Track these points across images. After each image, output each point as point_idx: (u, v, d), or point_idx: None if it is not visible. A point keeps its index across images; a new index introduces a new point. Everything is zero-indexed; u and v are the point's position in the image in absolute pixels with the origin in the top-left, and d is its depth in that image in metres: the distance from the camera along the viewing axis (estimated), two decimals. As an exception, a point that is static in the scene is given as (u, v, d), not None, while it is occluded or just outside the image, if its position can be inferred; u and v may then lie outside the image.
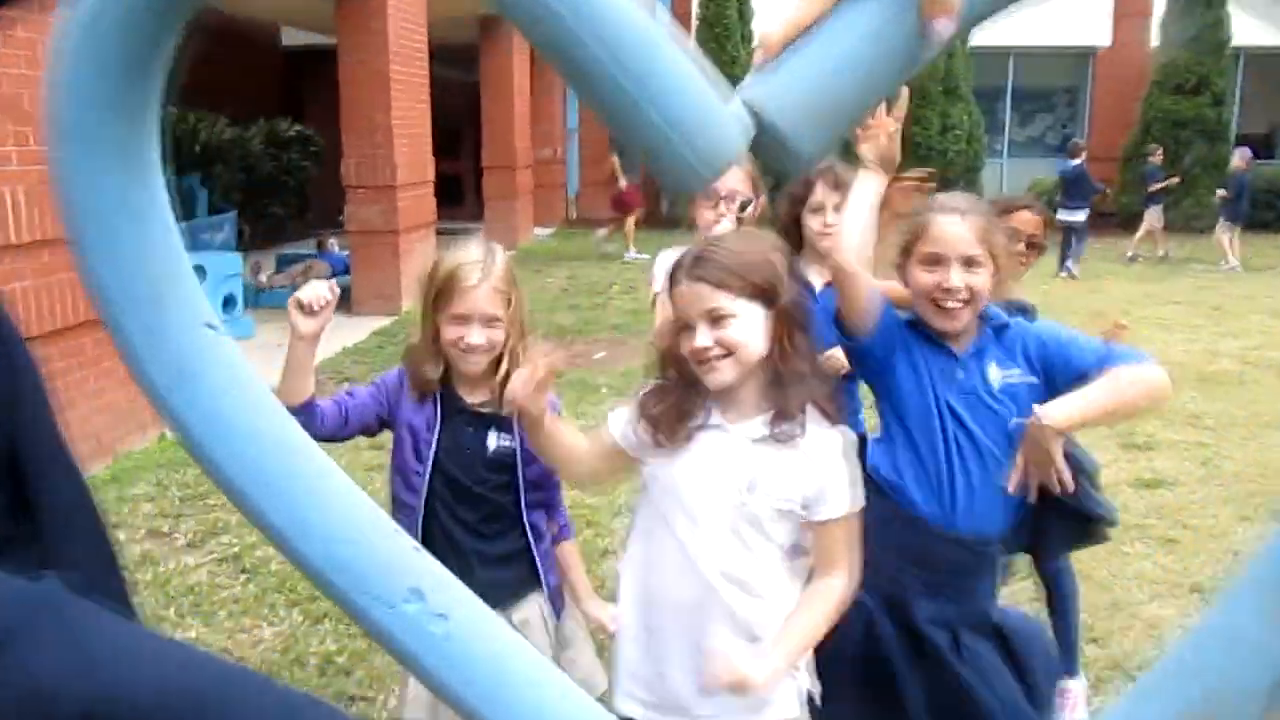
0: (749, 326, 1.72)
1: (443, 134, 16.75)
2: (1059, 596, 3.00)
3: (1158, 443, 5.49)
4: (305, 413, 2.02)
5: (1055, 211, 13.11)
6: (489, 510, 2.17)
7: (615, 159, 13.79)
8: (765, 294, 1.73)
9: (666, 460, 1.78)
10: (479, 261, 2.09)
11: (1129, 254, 14.02)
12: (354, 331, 8.66)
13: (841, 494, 1.76)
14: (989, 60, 18.35)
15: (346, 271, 9.76)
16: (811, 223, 2.91)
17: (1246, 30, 17.29)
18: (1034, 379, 2.04)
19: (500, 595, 2.14)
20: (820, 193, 2.94)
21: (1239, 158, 13.71)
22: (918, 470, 2.06)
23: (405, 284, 9.57)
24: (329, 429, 2.10)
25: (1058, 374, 2.02)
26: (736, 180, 2.61)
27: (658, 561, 1.79)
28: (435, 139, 11.06)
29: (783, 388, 1.75)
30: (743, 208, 2.44)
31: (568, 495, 2.46)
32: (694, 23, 17.45)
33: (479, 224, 15.31)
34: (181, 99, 13.42)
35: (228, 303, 8.29)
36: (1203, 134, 17.00)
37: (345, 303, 9.80)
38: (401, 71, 9.51)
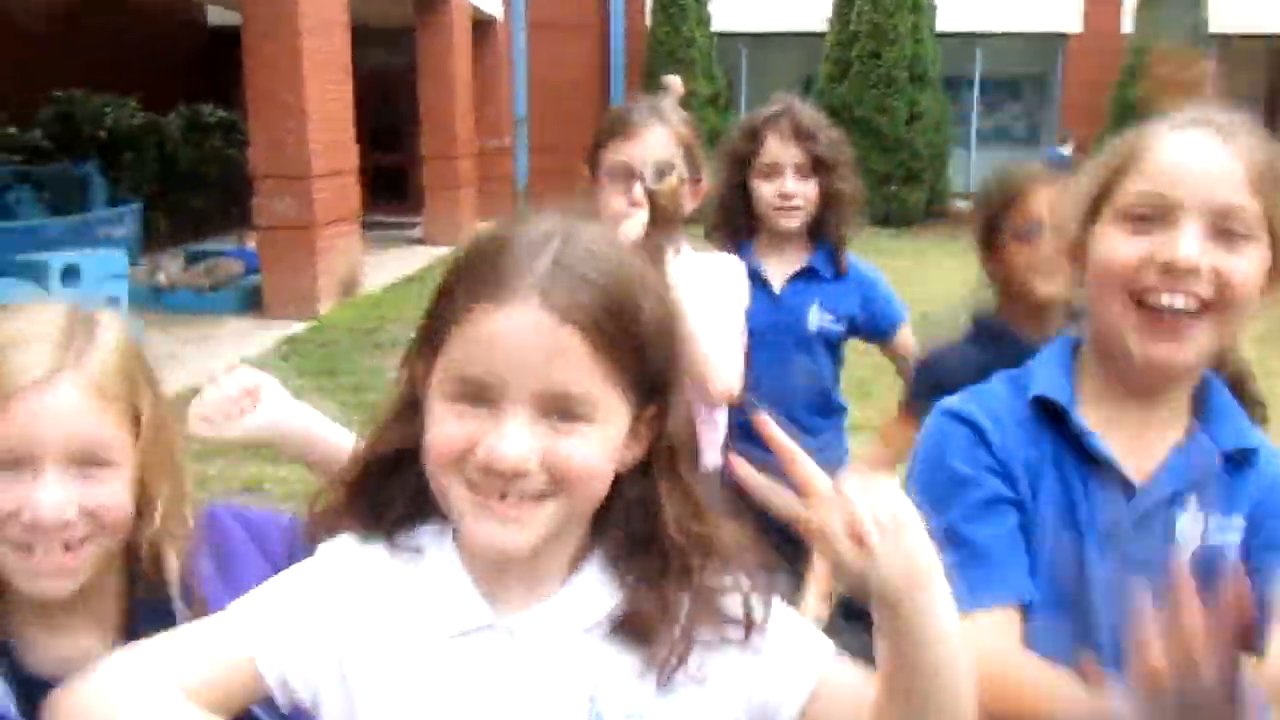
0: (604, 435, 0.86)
1: (382, 123, 15.78)
2: None
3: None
4: None
5: None
6: None
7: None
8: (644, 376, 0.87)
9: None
10: (54, 333, 1.01)
11: None
12: (258, 339, 7.66)
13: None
14: (955, 46, 17.60)
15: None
16: (764, 190, 2.08)
17: (1222, 15, 16.66)
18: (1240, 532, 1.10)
19: None
20: (773, 147, 2.09)
21: None
22: None
23: (323, 284, 8.57)
24: None
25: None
26: (663, 147, 1.70)
27: None
28: (374, 129, 10.08)
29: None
30: (660, 175, 1.50)
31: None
32: (648, 3, 16.55)
33: (421, 218, 14.35)
34: (89, 81, 12.35)
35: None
36: (1178, 123, 16.36)
37: (256, 306, 8.86)
38: (317, 47, 8.47)
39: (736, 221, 1.94)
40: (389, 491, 0.92)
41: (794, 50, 18.80)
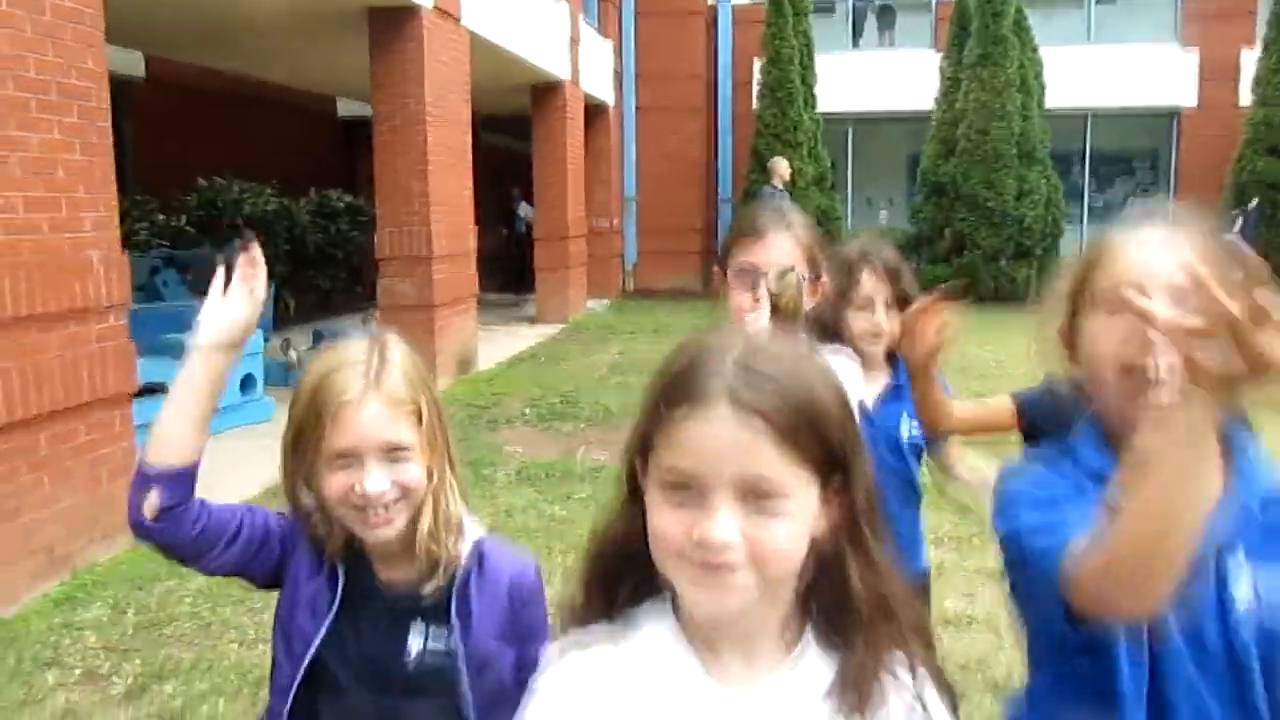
0: (797, 509, 0.97)
1: (496, 203, 16.38)
2: None
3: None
4: (178, 489, 1.39)
5: None
6: None
7: None
8: (827, 453, 0.99)
9: None
10: (361, 361, 1.43)
11: None
12: (381, 414, 8.03)
13: None
14: (1065, 122, 17.50)
15: (383, 348, 9.20)
16: (857, 322, 2.36)
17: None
18: None
19: None
20: (868, 284, 2.37)
21: None
22: None
23: (441, 361, 8.95)
24: (202, 538, 1.44)
25: None
26: (786, 252, 1.91)
27: None
28: (488, 208, 10.62)
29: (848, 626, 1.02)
30: (781, 277, 1.69)
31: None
32: (755, 88, 16.92)
33: (531, 295, 14.79)
34: (234, 170, 13.25)
35: (246, 383, 7.72)
36: (1302, 197, 15.89)
37: (378, 381, 9.26)
38: (442, 140, 8.98)
39: (830, 345, 2.14)
40: (621, 575, 1.05)
41: (899, 129, 18.93)
